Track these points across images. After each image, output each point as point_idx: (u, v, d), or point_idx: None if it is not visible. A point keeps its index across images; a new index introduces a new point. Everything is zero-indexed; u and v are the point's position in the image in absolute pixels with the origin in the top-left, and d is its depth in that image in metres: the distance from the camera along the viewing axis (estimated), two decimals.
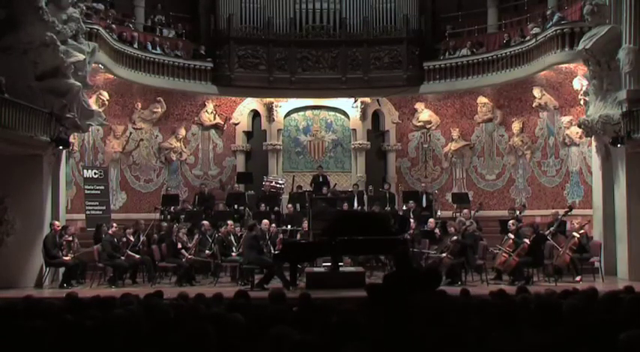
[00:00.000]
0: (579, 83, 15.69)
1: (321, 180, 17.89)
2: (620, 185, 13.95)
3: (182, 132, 18.67)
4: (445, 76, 18.18)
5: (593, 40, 13.91)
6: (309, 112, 19.46)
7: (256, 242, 12.78)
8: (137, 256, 13.39)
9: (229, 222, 14.08)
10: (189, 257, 13.29)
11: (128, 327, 4.11)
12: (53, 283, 13.26)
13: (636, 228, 13.55)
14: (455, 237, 13.05)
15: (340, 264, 13.24)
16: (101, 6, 16.54)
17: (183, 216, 15.98)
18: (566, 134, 16.85)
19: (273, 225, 14.44)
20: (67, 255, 13.07)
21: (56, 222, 13.43)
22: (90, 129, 15.90)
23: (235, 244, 13.64)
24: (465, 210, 15.84)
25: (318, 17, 18.51)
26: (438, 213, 16.95)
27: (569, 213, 14.45)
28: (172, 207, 16.63)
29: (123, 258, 13.22)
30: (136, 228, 14.17)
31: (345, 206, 16.27)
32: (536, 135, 17.75)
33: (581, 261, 13.20)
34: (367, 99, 19.04)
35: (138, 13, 18.64)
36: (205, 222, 14.31)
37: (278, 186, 17.54)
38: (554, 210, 15.20)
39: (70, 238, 13.29)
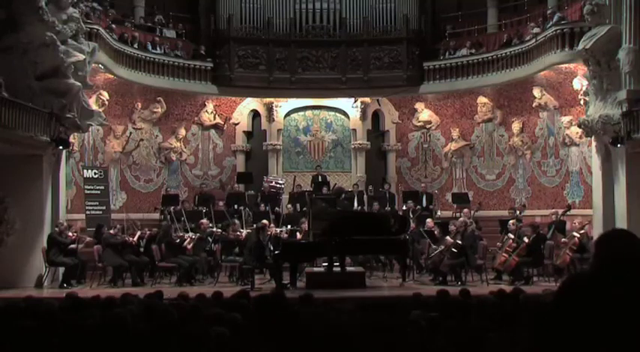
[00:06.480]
0: (579, 83, 15.68)
1: (320, 180, 17.89)
2: (620, 185, 13.94)
3: (182, 132, 18.66)
4: (445, 76, 18.15)
5: (593, 40, 13.90)
6: (309, 112, 19.44)
7: (262, 243, 12.80)
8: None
9: (245, 230, 14.01)
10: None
11: (128, 327, 4.11)
12: (53, 283, 13.25)
13: (636, 228, 13.35)
14: (454, 237, 13.05)
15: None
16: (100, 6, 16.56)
17: (183, 217, 15.94)
18: (566, 134, 16.85)
19: (272, 225, 14.42)
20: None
21: (64, 223, 13.50)
22: (90, 129, 15.88)
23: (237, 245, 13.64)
24: (465, 210, 15.84)
25: (318, 17, 18.49)
26: (438, 213, 16.97)
27: (567, 213, 14.45)
28: (172, 207, 16.61)
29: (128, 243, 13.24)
30: (134, 229, 14.17)
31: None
32: (536, 135, 17.74)
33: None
34: (367, 99, 19.02)
35: (138, 13, 18.63)
36: (204, 221, 14.27)
37: (278, 186, 17.53)
38: (553, 210, 15.22)
39: (72, 240, 13.33)
